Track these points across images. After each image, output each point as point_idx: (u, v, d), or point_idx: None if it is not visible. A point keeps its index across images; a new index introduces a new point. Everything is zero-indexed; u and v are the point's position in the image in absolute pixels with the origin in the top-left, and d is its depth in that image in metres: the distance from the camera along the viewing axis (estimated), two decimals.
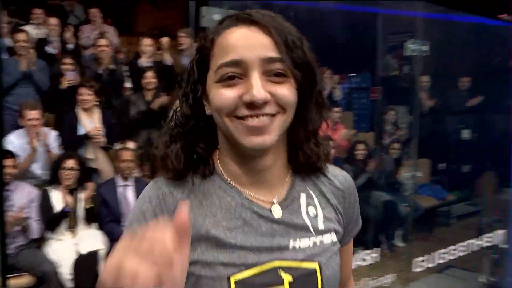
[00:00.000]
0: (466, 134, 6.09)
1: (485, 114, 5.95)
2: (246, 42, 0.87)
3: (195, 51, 0.96)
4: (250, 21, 0.88)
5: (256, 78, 0.86)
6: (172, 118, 0.98)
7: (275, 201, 0.96)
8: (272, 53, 0.86)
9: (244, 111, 0.87)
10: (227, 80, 0.88)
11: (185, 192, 0.94)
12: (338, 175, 1.06)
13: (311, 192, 1.02)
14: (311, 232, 0.96)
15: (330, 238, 0.99)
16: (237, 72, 0.87)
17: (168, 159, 0.94)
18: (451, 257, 3.94)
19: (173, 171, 0.94)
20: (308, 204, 0.99)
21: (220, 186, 0.95)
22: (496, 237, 4.10)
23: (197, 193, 0.95)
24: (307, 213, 0.98)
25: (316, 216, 0.99)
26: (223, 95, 0.88)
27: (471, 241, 4.04)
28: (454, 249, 3.97)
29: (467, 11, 4.42)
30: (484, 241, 4.06)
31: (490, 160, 5.65)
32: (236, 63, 0.87)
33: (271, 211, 0.94)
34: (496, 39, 5.44)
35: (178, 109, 0.98)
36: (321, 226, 0.98)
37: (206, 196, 0.94)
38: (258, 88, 0.85)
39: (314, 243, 0.96)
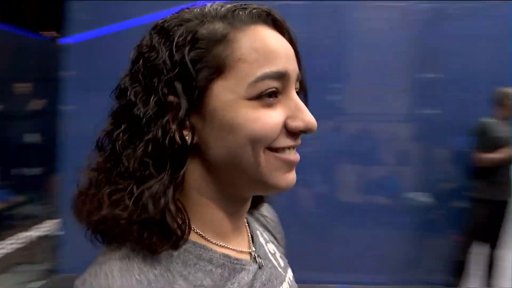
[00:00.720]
0: (32, 137, 6.17)
1: (50, 118, 6.20)
2: (286, 51, 0.66)
3: (176, 47, 0.63)
4: (274, 21, 0.67)
5: (298, 99, 0.66)
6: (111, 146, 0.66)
7: (253, 252, 0.75)
8: (297, 67, 0.68)
9: (286, 142, 0.65)
10: (267, 98, 0.63)
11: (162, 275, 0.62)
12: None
13: (258, 227, 0.84)
14: (281, 272, 0.79)
15: (291, 273, 0.83)
16: (278, 88, 0.64)
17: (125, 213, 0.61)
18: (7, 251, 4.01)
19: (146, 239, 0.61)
20: (266, 242, 0.81)
21: (201, 254, 0.66)
22: (52, 226, 4.43)
23: (176, 273, 0.64)
24: (270, 252, 0.80)
25: (275, 252, 0.82)
26: (270, 119, 0.63)
27: (27, 233, 4.24)
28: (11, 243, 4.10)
29: (13, 24, 4.71)
30: (41, 231, 4.34)
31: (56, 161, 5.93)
32: (281, 76, 0.64)
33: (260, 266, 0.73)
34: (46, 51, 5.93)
35: (117, 133, 0.65)
36: (281, 262, 0.82)
37: (189, 274, 0.64)
38: (309, 113, 0.65)
39: (288, 283, 0.78)
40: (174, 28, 0.64)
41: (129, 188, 0.61)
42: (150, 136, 0.62)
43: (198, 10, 0.66)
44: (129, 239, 0.61)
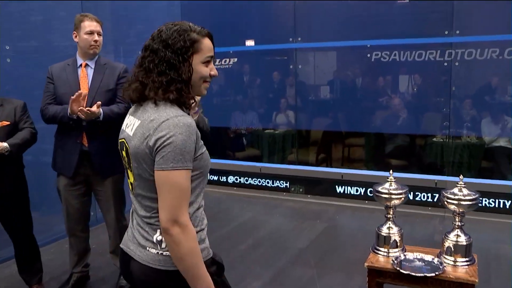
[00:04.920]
0: None
1: None
2: (212, 48, 1.76)
3: (175, 44, 1.66)
4: (209, 35, 1.76)
5: (212, 64, 1.77)
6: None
7: None
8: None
9: (208, 78, 1.74)
10: (207, 63, 1.73)
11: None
12: None
13: None
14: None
15: None
16: (209, 60, 1.74)
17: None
18: None
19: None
20: None
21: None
22: None
23: None
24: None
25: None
26: (206, 70, 1.72)
27: None
28: None
29: None
30: None
31: None
32: (211, 57, 1.74)
33: None
34: None
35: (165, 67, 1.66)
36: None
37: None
38: (215, 69, 1.79)
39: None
40: (179, 33, 1.69)
41: (162, 80, 1.65)
42: (178, 66, 1.66)
43: (181, 26, 1.71)
44: (171, 100, 1.66)
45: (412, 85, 6.62)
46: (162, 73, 1.63)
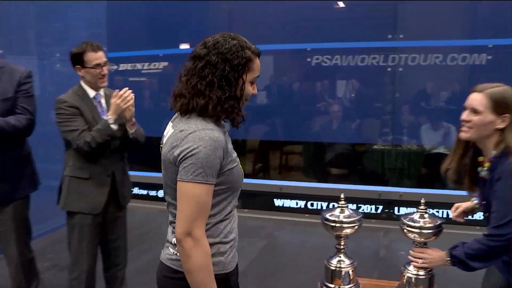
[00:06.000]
0: None
1: None
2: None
3: (234, 60, 1.65)
4: (258, 54, 1.74)
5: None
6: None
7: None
8: None
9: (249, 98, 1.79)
10: (253, 83, 1.75)
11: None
12: None
13: None
14: None
15: None
16: (255, 79, 1.77)
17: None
18: None
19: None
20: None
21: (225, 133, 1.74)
22: None
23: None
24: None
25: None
26: (250, 89, 1.73)
27: None
28: None
29: None
30: None
31: None
32: (257, 76, 1.75)
33: None
34: None
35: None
36: None
37: (226, 135, 1.73)
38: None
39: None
40: (238, 49, 1.67)
41: (221, 97, 1.65)
42: (234, 83, 1.66)
43: (239, 42, 1.69)
44: (211, 115, 1.65)
45: (354, 91, 6.46)
46: (221, 88, 1.65)
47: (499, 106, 1.94)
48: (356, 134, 6.46)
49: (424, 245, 2.24)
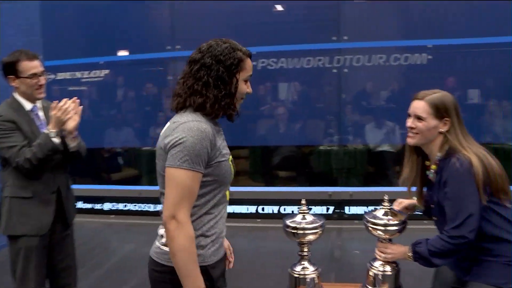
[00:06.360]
0: None
1: None
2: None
3: (227, 60, 1.78)
4: (250, 55, 1.86)
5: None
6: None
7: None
8: None
9: (244, 96, 1.90)
10: (247, 81, 1.87)
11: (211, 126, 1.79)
12: None
13: None
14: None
15: None
16: (249, 78, 1.88)
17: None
18: None
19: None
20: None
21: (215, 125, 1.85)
22: None
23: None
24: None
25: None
26: (244, 87, 1.85)
27: None
28: None
29: None
30: None
31: None
32: (251, 75, 1.87)
33: None
34: None
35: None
36: None
37: (218, 130, 1.86)
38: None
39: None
40: (229, 50, 1.79)
41: (218, 95, 1.78)
42: (229, 81, 1.79)
43: (230, 44, 1.81)
44: (209, 113, 1.79)
45: (300, 93, 6.49)
46: (217, 87, 1.79)
47: (440, 111, 2.08)
48: (304, 136, 6.48)
49: (389, 241, 2.27)
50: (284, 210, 5.91)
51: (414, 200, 2.36)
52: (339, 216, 5.85)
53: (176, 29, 6.42)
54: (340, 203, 5.90)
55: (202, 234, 1.81)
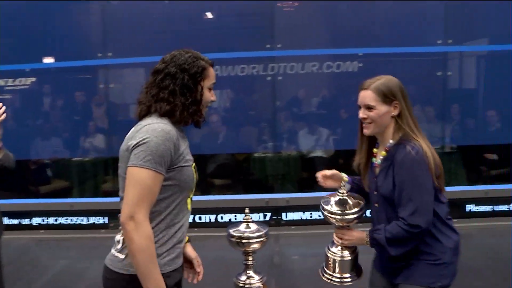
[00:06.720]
0: None
1: None
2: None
3: (191, 69, 1.84)
4: (212, 64, 1.93)
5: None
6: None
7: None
8: None
9: (209, 104, 1.97)
10: (211, 89, 1.93)
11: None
12: None
13: None
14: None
15: None
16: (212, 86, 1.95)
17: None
18: None
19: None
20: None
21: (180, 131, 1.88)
22: None
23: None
24: None
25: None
26: (209, 95, 1.91)
27: None
28: None
29: None
30: None
31: None
32: (214, 83, 1.93)
33: None
34: None
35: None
36: None
37: (182, 136, 1.88)
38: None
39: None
40: (193, 59, 1.85)
41: (185, 102, 1.84)
42: (194, 89, 1.84)
43: (193, 54, 1.89)
44: (179, 121, 1.84)
45: (235, 101, 6.48)
46: (184, 94, 1.83)
47: (387, 96, 2.07)
48: (239, 143, 6.48)
49: (347, 227, 2.24)
50: (222, 219, 5.87)
51: (339, 173, 2.38)
52: (276, 222, 5.88)
53: (108, 35, 6.25)
54: (277, 210, 5.93)
55: (159, 241, 1.79)
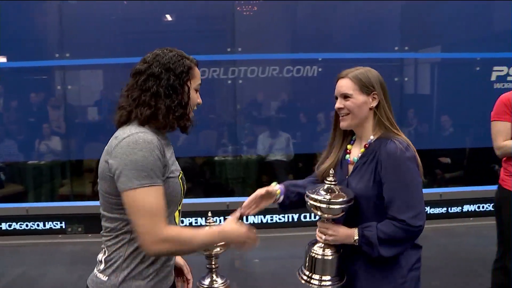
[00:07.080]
0: None
1: None
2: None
3: (177, 68, 1.68)
4: (197, 64, 1.79)
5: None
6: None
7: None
8: None
9: (196, 106, 1.83)
10: (197, 90, 1.79)
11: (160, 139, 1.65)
12: None
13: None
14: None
15: None
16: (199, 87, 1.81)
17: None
18: None
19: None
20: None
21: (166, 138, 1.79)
22: None
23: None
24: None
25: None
26: (196, 96, 1.77)
27: None
28: None
29: None
30: None
31: None
32: (200, 84, 1.80)
33: None
34: None
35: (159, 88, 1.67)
36: None
37: (166, 143, 1.76)
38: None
39: None
40: (178, 58, 1.70)
41: (171, 105, 1.67)
42: (180, 90, 1.69)
43: (177, 52, 1.74)
44: (163, 125, 1.69)
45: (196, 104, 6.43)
46: (169, 96, 1.67)
47: (365, 85, 1.96)
48: (199, 147, 6.46)
49: (332, 221, 1.99)
50: (182, 223, 5.81)
51: (273, 188, 2.22)
52: None
53: (66, 35, 6.10)
54: None
55: (146, 261, 1.68)
